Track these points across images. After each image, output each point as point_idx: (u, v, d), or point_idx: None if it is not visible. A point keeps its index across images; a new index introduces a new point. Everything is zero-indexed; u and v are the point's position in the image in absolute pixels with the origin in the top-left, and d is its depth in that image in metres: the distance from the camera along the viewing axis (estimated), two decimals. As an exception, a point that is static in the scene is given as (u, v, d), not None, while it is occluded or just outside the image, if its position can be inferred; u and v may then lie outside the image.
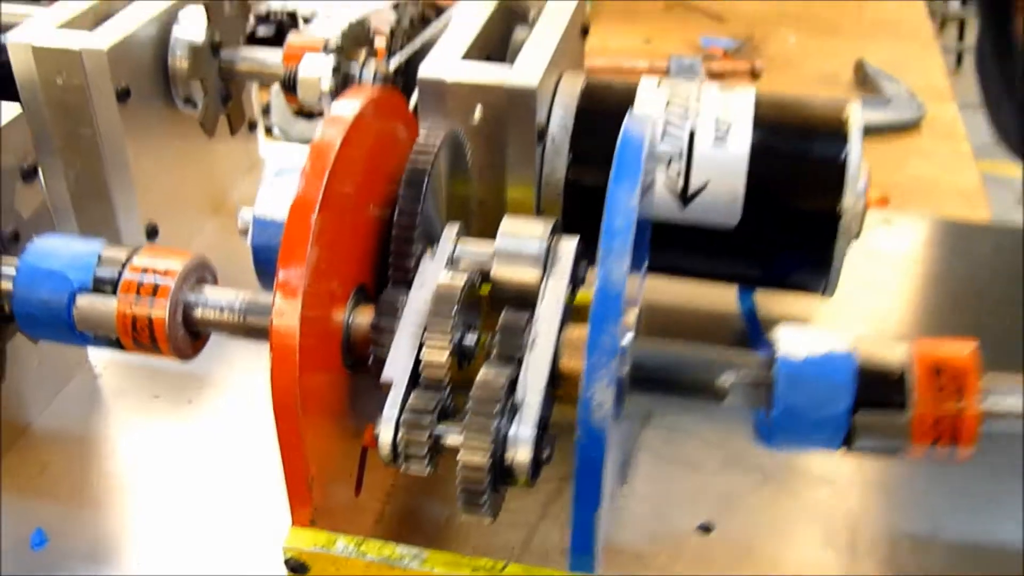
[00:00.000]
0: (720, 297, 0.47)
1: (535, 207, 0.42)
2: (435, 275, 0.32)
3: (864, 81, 1.02)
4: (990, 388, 0.29)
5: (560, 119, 0.42)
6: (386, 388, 0.30)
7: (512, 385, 0.30)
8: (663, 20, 1.15)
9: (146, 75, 0.45)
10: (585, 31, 0.49)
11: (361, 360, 0.32)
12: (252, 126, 0.53)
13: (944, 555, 0.37)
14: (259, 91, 0.54)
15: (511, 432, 0.29)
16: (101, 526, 0.39)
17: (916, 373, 0.29)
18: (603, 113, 0.42)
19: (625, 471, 0.39)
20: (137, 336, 0.33)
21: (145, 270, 0.33)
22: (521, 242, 0.33)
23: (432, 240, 0.34)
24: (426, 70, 0.40)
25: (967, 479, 0.40)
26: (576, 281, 0.33)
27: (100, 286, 0.33)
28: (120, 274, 0.33)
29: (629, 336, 0.30)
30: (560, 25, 0.44)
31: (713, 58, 1.05)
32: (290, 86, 0.43)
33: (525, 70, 0.40)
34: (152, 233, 0.47)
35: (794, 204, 0.41)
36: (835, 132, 0.41)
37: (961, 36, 2.37)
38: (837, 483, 0.40)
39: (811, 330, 0.30)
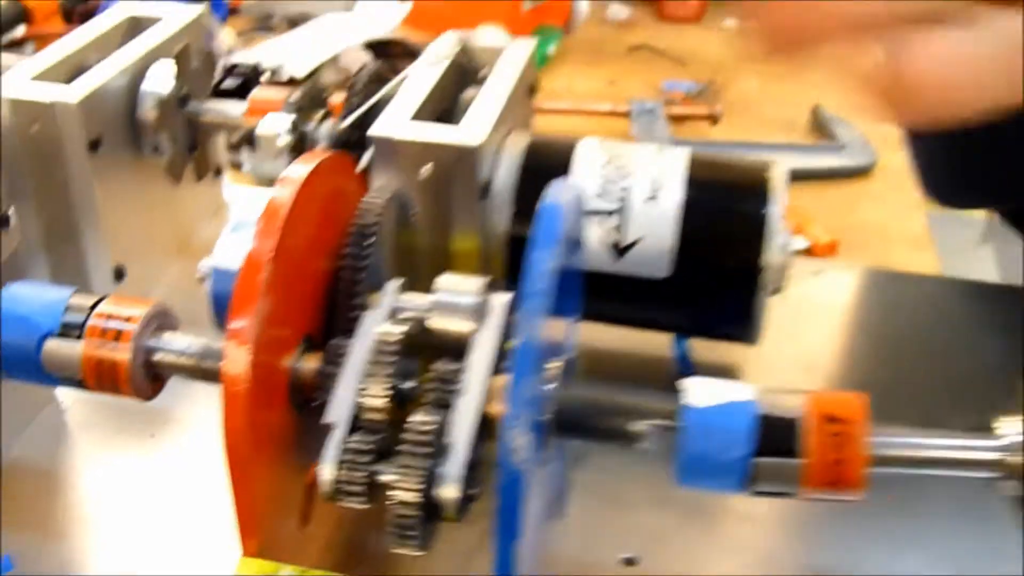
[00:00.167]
0: (658, 343, 0.50)
1: (480, 259, 0.45)
2: (377, 326, 0.35)
3: (819, 126, 1.06)
4: (877, 436, 0.32)
5: (504, 176, 0.45)
6: (329, 429, 0.33)
7: (443, 428, 0.33)
8: (627, 63, 1.19)
9: (116, 125, 0.48)
10: (533, 90, 0.53)
11: (308, 403, 0.35)
12: (218, 172, 0.56)
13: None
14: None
15: (440, 471, 0.32)
16: (66, 554, 0.41)
17: (810, 422, 0.32)
18: (545, 171, 0.45)
19: (560, 507, 0.42)
20: (100, 378, 0.36)
21: (109, 316, 0.36)
22: (457, 296, 0.36)
23: (377, 292, 0.37)
24: (377, 129, 0.44)
25: (883, 518, 0.43)
26: (508, 333, 0.36)
27: (67, 331, 0.36)
28: (86, 320, 0.36)
29: (550, 386, 0.33)
30: (507, 86, 0.47)
31: (674, 102, 1.09)
32: (250, 141, 0.47)
33: (469, 130, 0.44)
34: (120, 274, 0.50)
35: (718, 258, 0.44)
36: (757, 191, 0.44)
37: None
38: (758, 520, 0.43)
39: (717, 382, 0.33)
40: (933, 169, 0.60)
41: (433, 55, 0.50)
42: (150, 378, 0.36)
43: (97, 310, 0.36)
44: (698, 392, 0.33)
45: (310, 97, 0.46)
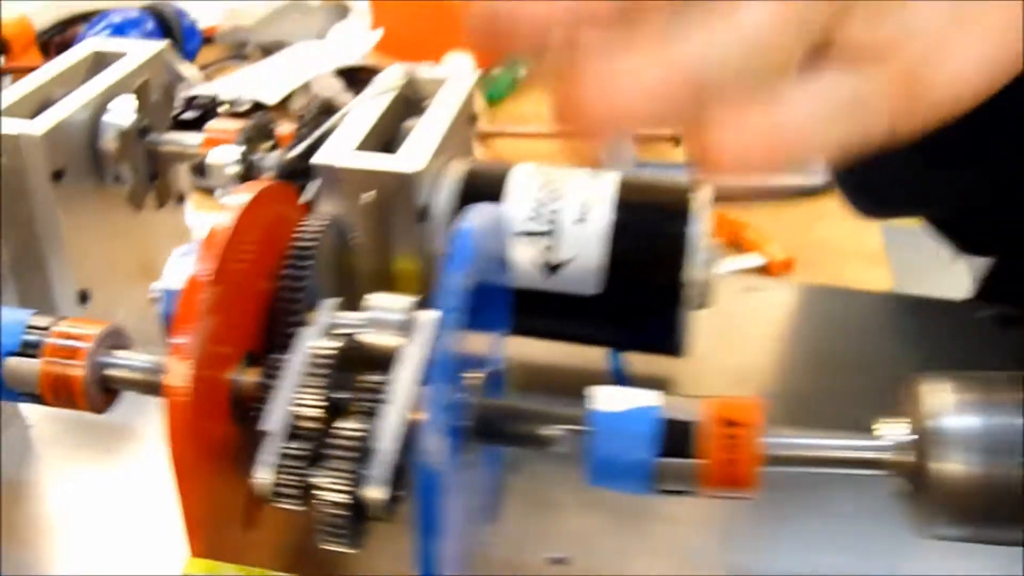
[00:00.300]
0: (595, 357, 0.53)
1: (420, 279, 0.48)
2: (312, 341, 0.38)
3: (778, 147, 1.08)
4: (770, 438, 0.35)
5: (443, 201, 0.48)
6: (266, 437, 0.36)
7: (370, 434, 0.36)
8: (595, 87, 1.23)
9: (79, 156, 0.51)
10: (474, 119, 0.56)
11: (250, 415, 0.38)
12: (181, 199, 0.59)
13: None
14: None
15: (367, 474, 0.35)
16: (31, 559, 0.44)
17: (708, 426, 0.35)
18: (481, 196, 0.48)
19: (493, 511, 0.45)
20: (57, 393, 0.39)
21: (66, 336, 0.39)
22: (387, 313, 0.39)
23: (315, 310, 0.40)
24: (320, 158, 0.47)
25: (803, 518, 0.46)
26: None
27: (27, 350, 0.39)
28: (44, 339, 0.39)
29: (469, 394, 0.36)
30: (447, 116, 0.51)
31: (638, 125, 1.12)
32: (202, 170, 0.50)
33: (408, 158, 0.47)
34: (84, 298, 0.53)
35: (643, 275, 0.47)
36: (680, 212, 0.47)
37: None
38: (685, 522, 0.46)
39: (624, 389, 0.36)
40: (850, 180, 0.63)
41: (379, 86, 0.53)
42: (103, 392, 0.39)
43: (55, 330, 0.39)
44: (605, 398, 0.36)
45: (258, 128, 0.49)
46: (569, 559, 0.44)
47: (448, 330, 0.33)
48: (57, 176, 0.50)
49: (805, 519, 0.45)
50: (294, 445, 0.36)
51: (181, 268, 0.40)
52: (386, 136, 0.50)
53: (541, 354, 0.52)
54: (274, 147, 0.49)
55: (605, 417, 0.35)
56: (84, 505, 0.46)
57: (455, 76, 0.54)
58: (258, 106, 0.56)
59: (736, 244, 0.97)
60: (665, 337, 0.48)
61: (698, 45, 0.29)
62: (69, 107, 0.51)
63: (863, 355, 0.57)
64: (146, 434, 0.50)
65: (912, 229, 0.91)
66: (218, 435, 0.37)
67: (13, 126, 0.49)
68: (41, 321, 0.40)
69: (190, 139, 0.52)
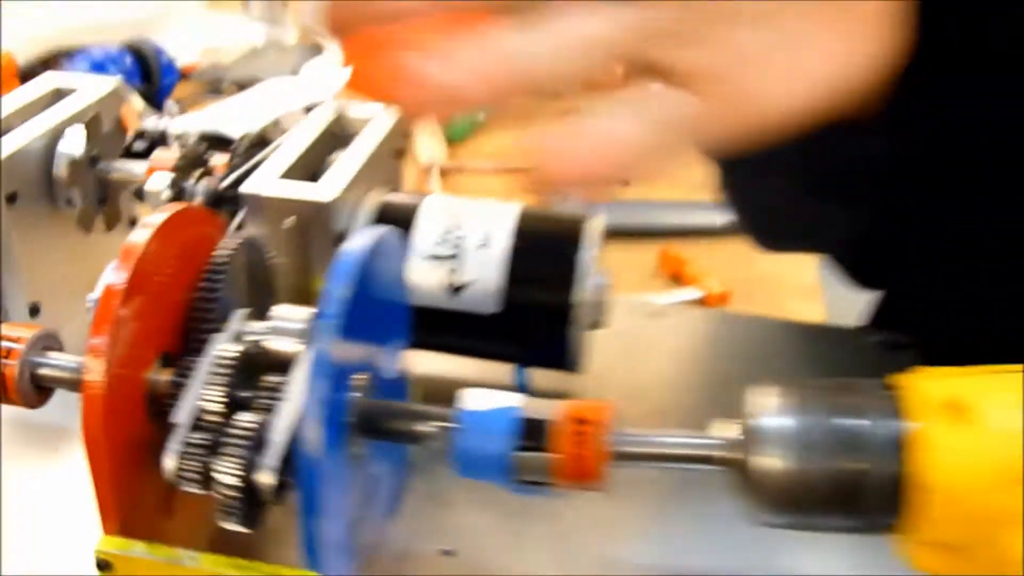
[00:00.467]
0: (502, 372, 0.58)
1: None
2: (221, 345, 0.43)
3: (724, 188, 1.14)
4: (617, 435, 0.40)
5: (359, 227, 0.53)
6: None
7: (265, 427, 0.40)
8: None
9: (32, 182, 0.56)
10: (400, 154, 0.61)
11: (164, 410, 0.43)
12: (133, 222, 0.64)
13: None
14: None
15: (259, 461, 0.40)
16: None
17: (561, 424, 0.40)
18: (395, 222, 0.53)
19: (393, 506, 0.49)
20: (-8, 389, 0.43)
21: (2, 338, 0.44)
22: (288, 323, 0.43)
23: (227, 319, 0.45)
24: (247, 186, 0.52)
25: (683, 515, 0.50)
26: (333, 353, 0.43)
27: (-34, 351, 0.44)
28: (-19, 341, 0.44)
29: (354, 394, 0.41)
30: (367, 150, 0.56)
31: (590, 164, 1.17)
32: (141, 195, 0.55)
33: (326, 187, 0.52)
34: (35, 311, 0.58)
35: (537, 296, 0.52)
36: (571, 239, 0.52)
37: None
38: (569, 520, 0.50)
39: (491, 392, 0.41)
40: (744, 216, 0.68)
41: (310, 122, 0.58)
42: (35, 390, 0.44)
43: (-9, 333, 0.44)
44: (472, 399, 0.41)
45: (191, 158, 0.54)
46: (457, 552, 0.48)
47: (326, 334, 0.38)
48: (11, 199, 0.54)
49: (686, 516, 0.50)
50: (197, 436, 0.41)
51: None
52: (312, 168, 0.55)
53: (453, 370, 0.57)
54: (204, 175, 0.54)
55: (470, 415, 0.40)
56: (31, 500, 0.51)
57: (380, 115, 0.59)
58: (222, 140, 0.60)
59: (677, 278, 1.02)
60: (559, 354, 0.53)
61: (520, 41, 0.35)
62: (25, 136, 0.56)
63: (754, 376, 0.61)
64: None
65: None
66: (136, 427, 0.42)
67: (-29, 153, 0.54)
68: (-20, 325, 0.44)
69: (136, 167, 0.57)
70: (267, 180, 0.52)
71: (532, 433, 0.40)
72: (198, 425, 0.41)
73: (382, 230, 0.43)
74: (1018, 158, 0.49)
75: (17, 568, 0.48)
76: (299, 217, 0.51)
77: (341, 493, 0.41)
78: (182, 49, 1.34)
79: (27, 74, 1.17)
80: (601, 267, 0.53)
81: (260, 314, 0.45)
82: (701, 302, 0.98)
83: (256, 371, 0.43)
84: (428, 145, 1.16)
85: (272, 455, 0.40)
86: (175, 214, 0.42)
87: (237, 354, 0.42)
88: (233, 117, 1.14)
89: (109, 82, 0.61)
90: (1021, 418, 0.37)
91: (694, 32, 0.36)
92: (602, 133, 0.36)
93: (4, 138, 0.55)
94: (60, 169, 0.57)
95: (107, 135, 0.59)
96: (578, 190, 0.37)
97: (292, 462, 0.40)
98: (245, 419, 0.40)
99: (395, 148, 0.59)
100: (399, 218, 0.54)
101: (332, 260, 0.39)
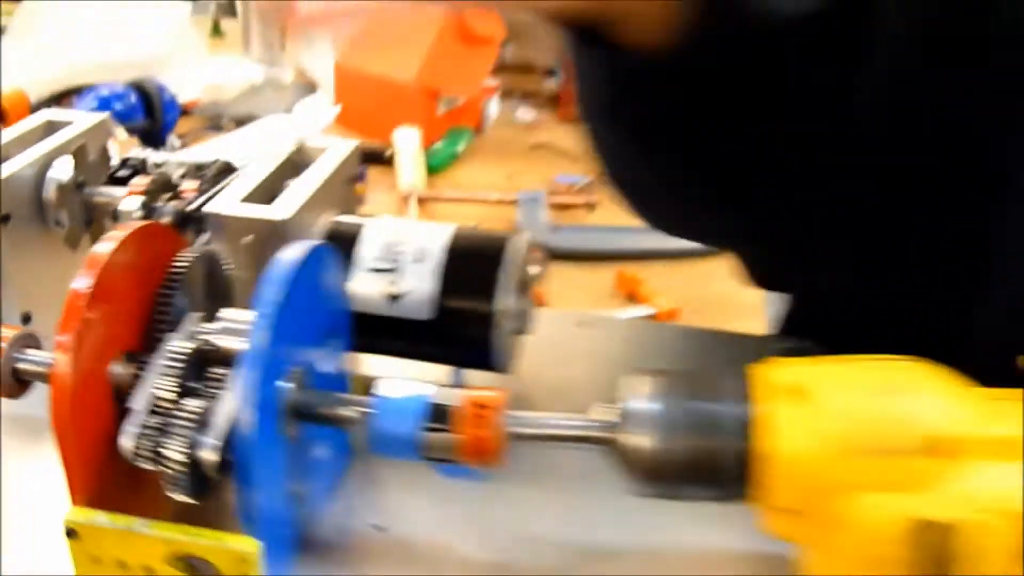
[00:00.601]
0: (441, 373, 0.63)
1: (288, 304, 0.58)
2: (176, 343, 0.48)
3: (680, 214, 1.19)
4: (512, 419, 0.45)
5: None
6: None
7: (210, 411, 0.45)
8: (529, 159, 1.34)
9: (24, 205, 0.62)
10: (354, 180, 0.66)
11: (126, 400, 0.48)
12: (118, 242, 0.70)
13: (565, 553, 0.52)
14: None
15: (203, 440, 0.45)
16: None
17: (464, 408, 0.45)
18: (340, 241, 0.59)
19: (333, 486, 0.54)
20: (-23, 383, 0.49)
21: (-11, 338, 0.49)
22: (236, 324, 0.49)
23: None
24: (210, 207, 0.57)
25: (592, 493, 0.55)
26: (275, 350, 0.49)
27: (-43, 349, 0.49)
28: (-28, 341, 0.49)
29: (288, 384, 0.46)
30: (321, 175, 0.61)
31: (559, 193, 1.23)
32: (116, 216, 0.60)
33: (279, 209, 0.57)
34: (27, 319, 0.63)
35: (464, 305, 0.57)
36: (495, 255, 0.57)
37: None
38: (500, 499, 0.55)
39: (406, 381, 0.46)
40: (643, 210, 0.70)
41: (272, 152, 0.63)
42: (16, 382, 0.49)
43: (-23, 334, 0.49)
44: (387, 387, 0.46)
45: (161, 183, 0.60)
46: (388, 527, 0.53)
47: (258, 333, 0.43)
48: (5, 220, 0.60)
49: (597, 495, 0.54)
50: (152, 420, 0.46)
51: (83, 288, 0.50)
52: (271, 192, 0.60)
53: (396, 372, 0.62)
54: (172, 198, 0.59)
55: (384, 401, 0.45)
56: (16, 487, 0.56)
57: (336, 147, 0.64)
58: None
59: (632, 297, 1.07)
60: (486, 356, 0.58)
61: None
62: (18, 164, 0.61)
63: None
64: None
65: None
66: (100, 414, 0.47)
67: (-30, 179, 0.59)
68: (-28, 328, 0.50)
69: (117, 192, 0.63)
70: (229, 202, 0.57)
71: (438, 416, 0.45)
72: (153, 411, 0.46)
73: (314, 244, 0.48)
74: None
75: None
76: (256, 235, 0.56)
77: (276, 469, 0.46)
78: (185, 87, 1.41)
79: (38, 109, 1.23)
80: (529, 280, 0.58)
81: (216, 317, 0.50)
82: (652, 318, 1.03)
83: (206, 365, 0.48)
84: (409, 174, 1.21)
85: (214, 435, 0.45)
86: (136, 230, 0.48)
87: (189, 350, 0.47)
88: (231, 152, 1.19)
89: (96, 117, 0.67)
90: (851, 399, 0.42)
91: None
92: None
93: (2, 166, 0.61)
94: (50, 193, 0.62)
95: (93, 163, 0.65)
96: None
97: (233, 442, 0.45)
98: (192, 405, 0.45)
99: (349, 176, 0.65)
100: (346, 236, 0.59)
101: (267, 269, 0.44)
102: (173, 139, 1.23)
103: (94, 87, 1.24)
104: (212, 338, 0.48)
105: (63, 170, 0.62)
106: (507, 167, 1.29)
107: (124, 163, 0.64)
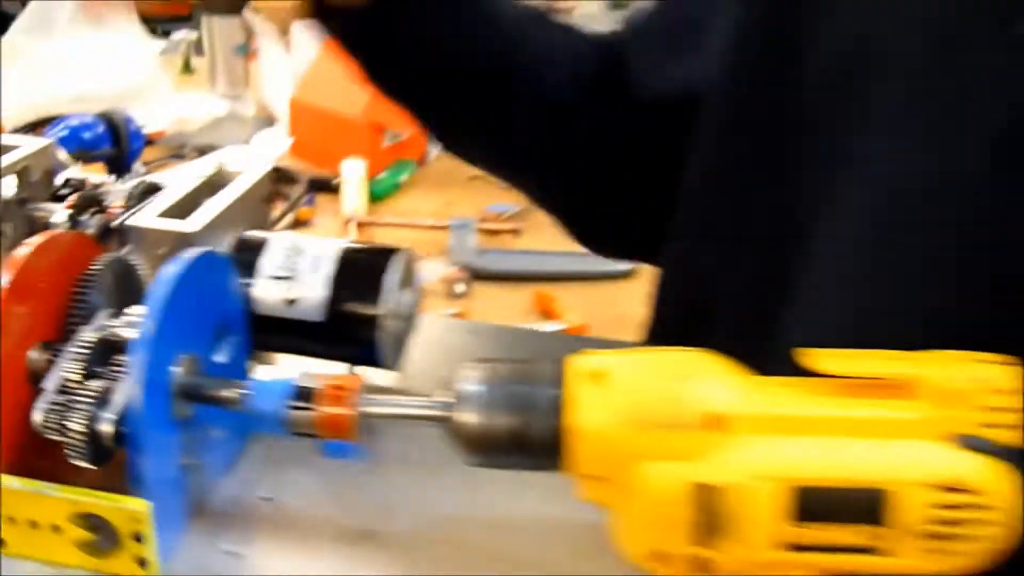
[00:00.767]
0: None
1: (198, 306, 0.64)
2: (86, 334, 0.54)
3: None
4: (364, 400, 0.51)
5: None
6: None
7: (110, 390, 0.51)
8: (466, 189, 1.40)
9: (-29, 219, 0.68)
10: (269, 200, 0.72)
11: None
12: (61, 254, 0.75)
13: (420, 520, 0.58)
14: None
15: (102, 414, 0.51)
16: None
17: (323, 390, 0.51)
18: (248, 251, 0.65)
19: (229, 462, 0.60)
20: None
21: (-74, 328, 0.55)
22: (136, 318, 0.55)
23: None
24: (130, 221, 0.63)
25: (455, 471, 0.61)
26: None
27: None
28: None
29: (178, 368, 0.52)
30: (232, 196, 0.67)
31: (488, 220, 1.30)
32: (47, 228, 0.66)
33: (191, 223, 0.63)
34: (-27, 319, 0.69)
35: (352, 310, 0.64)
36: (379, 266, 0.64)
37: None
38: (372, 473, 0.61)
39: (280, 370, 0.52)
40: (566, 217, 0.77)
41: (192, 173, 0.70)
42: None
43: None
44: (262, 373, 0.52)
45: (87, 199, 0.66)
46: (275, 499, 0.59)
47: (148, 321, 0.49)
48: (-49, 233, 0.66)
49: (447, 469, 0.60)
50: (60, 398, 0.52)
51: (11, 287, 0.56)
52: (188, 208, 0.67)
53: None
54: (96, 212, 0.65)
55: (257, 383, 0.51)
56: None
57: (251, 169, 0.71)
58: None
59: (547, 314, 1.13)
60: (373, 355, 0.64)
61: None
62: (-33, 182, 0.68)
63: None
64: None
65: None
66: (20, 394, 0.53)
67: (-77, 195, 0.65)
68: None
69: (56, 207, 0.69)
70: (147, 216, 0.63)
71: (302, 396, 0.51)
72: (61, 390, 0.52)
73: (202, 251, 0.54)
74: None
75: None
76: (169, 246, 0.62)
77: (166, 442, 0.52)
78: (154, 119, 1.47)
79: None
80: (403, 287, 0.65)
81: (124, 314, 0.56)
82: (563, 332, 1.09)
83: (111, 353, 0.54)
84: (352, 201, 1.28)
85: (112, 411, 0.51)
86: (50, 237, 0.54)
87: (95, 339, 0.53)
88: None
89: (40, 143, 0.73)
90: (642, 381, 0.48)
91: None
92: None
93: (-49, 184, 0.67)
94: (-6, 208, 0.68)
95: (36, 183, 0.71)
96: None
97: (127, 417, 0.51)
98: (95, 385, 0.51)
99: (264, 195, 0.71)
100: (252, 248, 0.65)
101: (156, 277, 0.50)
102: (138, 166, 1.29)
103: (66, 117, 1.30)
104: (118, 330, 0.54)
105: (8, 189, 0.68)
106: (446, 196, 1.35)
107: (66, 183, 0.70)
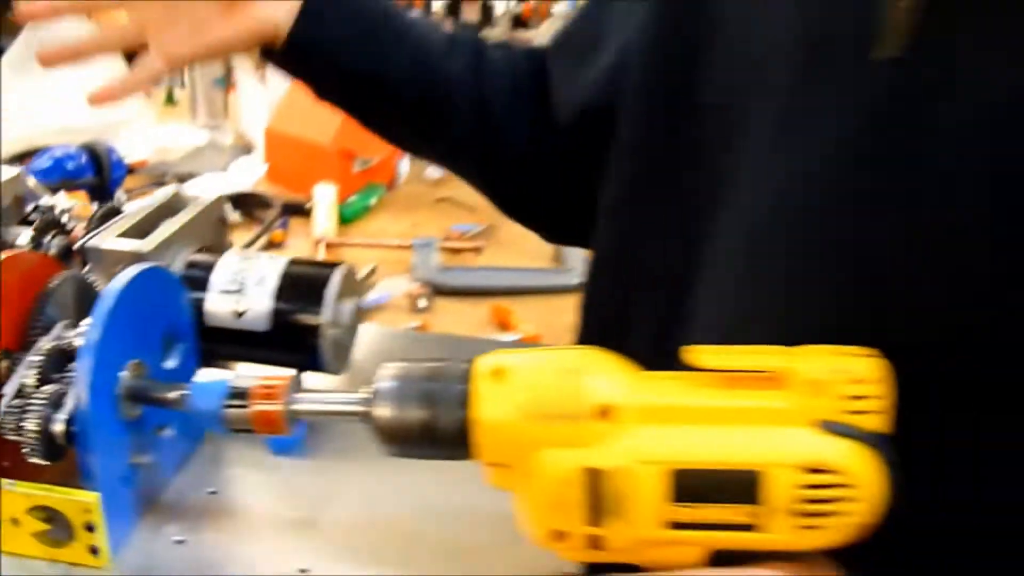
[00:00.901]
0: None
1: (153, 319, 0.68)
2: (43, 344, 0.58)
3: (556, 256, 1.30)
4: (292, 397, 0.55)
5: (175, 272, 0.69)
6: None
7: (63, 394, 0.56)
8: (433, 211, 1.45)
9: (-54, 241, 0.72)
10: (224, 222, 0.77)
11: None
12: (34, 274, 0.80)
13: (355, 509, 0.62)
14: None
15: (55, 416, 0.55)
16: None
17: (255, 390, 0.55)
18: (200, 269, 0.69)
19: (180, 461, 0.64)
20: None
21: (-101, 341, 0.59)
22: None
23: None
24: (89, 242, 0.67)
25: (389, 465, 0.65)
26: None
27: None
28: None
29: (123, 373, 0.56)
30: (186, 218, 0.71)
31: (452, 239, 1.34)
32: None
33: (146, 243, 0.68)
34: (-51, 335, 0.73)
35: (295, 320, 0.68)
36: (320, 281, 0.68)
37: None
38: (309, 470, 0.65)
39: (219, 373, 0.56)
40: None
41: (152, 198, 0.74)
42: (-82, 376, 0.59)
43: None
44: (201, 376, 0.56)
45: (49, 222, 0.70)
46: (221, 493, 0.63)
47: (92, 332, 0.53)
48: (-72, 253, 0.70)
49: (382, 464, 0.64)
50: (17, 401, 0.56)
51: (-24, 303, 0.60)
52: (146, 230, 0.71)
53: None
54: (57, 234, 0.70)
55: (196, 385, 0.55)
56: None
57: (207, 195, 0.75)
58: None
59: (503, 326, 1.18)
60: (316, 361, 0.68)
61: None
62: (-57, 209, 0.72)
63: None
64: None
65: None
66: (-19, 399, 0.57)
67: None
68: None
69: (23, 231, 0.73)
70: (105, 237, 0.68)
71: (236, 395, 0.55)
72: (18, 394, 0.56)
73: (146, 267, 0.58)
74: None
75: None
76: (127, 264, 0.67)
77: (113, 440, 0.56)
78: (136, 148, 1.52)
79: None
80: (342, 299, 0.69)
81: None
82: (518, 342, 1.13)
83: (66, 360, 0.58)
84: (322, 224, 1.32)
85: (64, 412, 0.55)
86: (12, 256, 0.58)
87: (50, 348, 0.57)
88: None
89: (10, 172, 0.77)
90: (537, 376, 0.52)
91: None
92: None
93: (-72, 210, 0.71)
94: (-33, 232, 0.72)
95: (6, 208, 0.75)
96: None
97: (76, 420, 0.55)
98: (49, 389, 0.56)
99: (219, 217, 0.75)
100: (204, 266, 0.69)
101: (103, 293, 0.55)
102: (120, 194, 1.34)
103: (50, 147, 1.34)
104: (73, 340, 0.59)
105: (-21, 213, 0.73)
106: (413, 217, 1.39)
107: (36, 208, 0.75)
